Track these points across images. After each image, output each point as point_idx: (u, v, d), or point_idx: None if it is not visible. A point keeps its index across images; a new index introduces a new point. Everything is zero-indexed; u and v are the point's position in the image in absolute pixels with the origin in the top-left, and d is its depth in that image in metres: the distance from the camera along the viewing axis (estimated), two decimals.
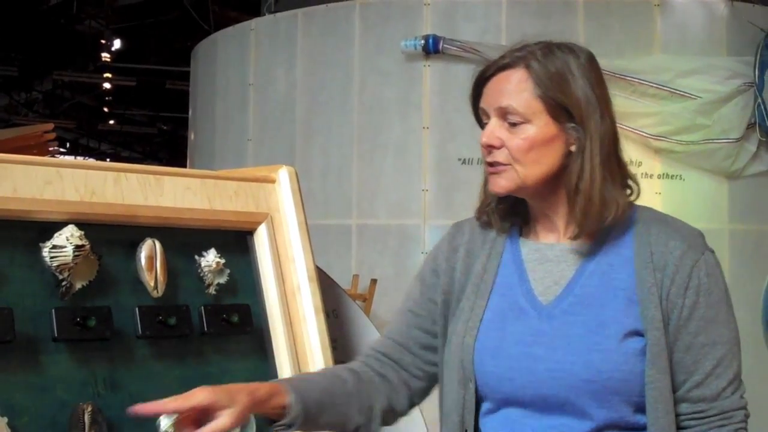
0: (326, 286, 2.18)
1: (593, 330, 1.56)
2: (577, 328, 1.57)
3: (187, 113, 7.13)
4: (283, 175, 2.17)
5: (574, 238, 1.62)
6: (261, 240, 2.09)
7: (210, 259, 1.99)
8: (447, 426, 1.69)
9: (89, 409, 1.72)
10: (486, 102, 1.65)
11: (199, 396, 1.47)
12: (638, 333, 1.55)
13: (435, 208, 5.14)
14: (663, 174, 5.03)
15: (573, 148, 1.60)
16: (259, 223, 2.10)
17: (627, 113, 4.85)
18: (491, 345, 1.63)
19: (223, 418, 1.47)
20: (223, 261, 2.00)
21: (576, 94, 1.60)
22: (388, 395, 1.74)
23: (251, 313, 2.01)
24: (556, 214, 1.65)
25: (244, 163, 5.69)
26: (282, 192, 2.15)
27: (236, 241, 2.08)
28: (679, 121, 4.94)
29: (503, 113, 1.61)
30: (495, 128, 1.61)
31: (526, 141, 1.59)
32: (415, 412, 2.21)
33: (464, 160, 5.11)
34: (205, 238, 2.03)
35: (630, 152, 5.23)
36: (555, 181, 1.62)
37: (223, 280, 2.01)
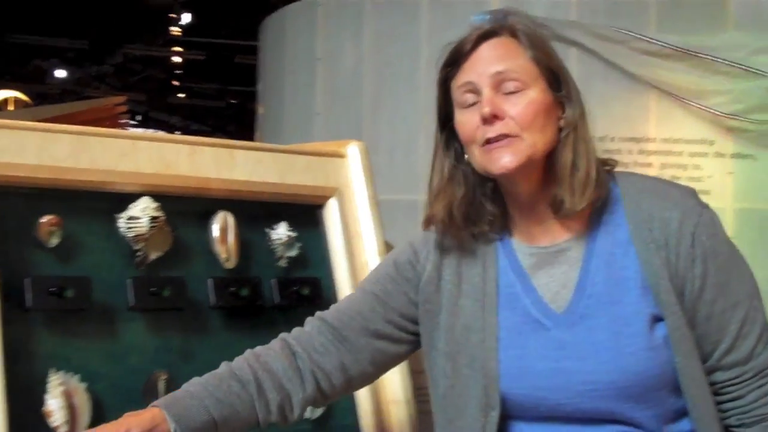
0: None
1: (618, 331, 1.48)
2: (601, 332, 1.49)
3: (256, 87, 7.18)
4: (353, 150, 2.18)
5: (566, 218, 1.52)
6: (331, 214, 2.12)
7: (281, 232, 2.02)
8: None
9: (163, 377, 1.77)
10: (474, 74, 1.52)
11: None
12: (659, 318, 1.48)
13: None
14: (735, 153, 4.93)
15: (562, 123, 1.51)
16: (329, 198, 2.12)
17: (699, 91, 4.76)
18: (515, 365, 1.53)
19: None
20: (294, 234, 2.03)
21: (560, 62, 1.53)
22: (316, 380, 1.62)
23: (321, 286, 2.04)
24: (543, 202, 1.53)
25: (311, 137, 5.72)
26: (352, 167, 2.17)
27: (306, 214, 2.11)
28: (752, 100, 4.83)
29: (499, 81, 1.49)
30: (493, 98, 1.49)
31: (531, 105, 1.48)
32: None
33: None
34: (276, 212, 2.06)
35: (702, 131, 5.13)
36: (542, 162, 1.51)
37: (293, 253, 2.04)
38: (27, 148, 1.74)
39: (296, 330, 1.68)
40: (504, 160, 1.47)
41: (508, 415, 1.55)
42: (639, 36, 4.78)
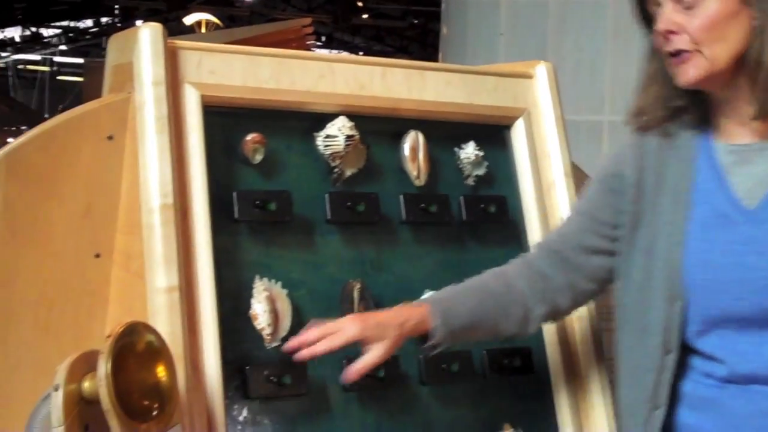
0: (580, 181, 2.21)
1: None
2: None
3: (439, 7, 7.18)
4: (541, 70, 2.20)
5: (758, 118, 1.54)
6: (518, 134, 2.15)
7: (469, 151, 2.07)
8: (644, 347, 1.64)
9: (358, 286, 1.87)
10: None
11: (349, 333, 1.60)
12: None
13: None
14: None
15: (756, 22, 1.51)
16: (517, 118, 2.15)
17: None
18: (699, 258, 1.57)
19: (375, 353, 1.61)
20: (481, 154, 2.08)
21: None
22: (548, 298, 1.77)
23: (507, 205, 2.09)
24: (743, 102, 1.56)
25: (495, 58, 5.70)
26: (540, 87, 2.19)
27: (494, 134, 2.15)
28: None
29: None
30: (670, 13, 1.53)
31: (707, 19, 1.51)
32: None
33: None
34: (465, 131, 2.10)
35: None
36: (738, 64, 1.53)
37: (481, 172, 2.09)
38: (233, 71, 1.84)
39: (526, 255, 1.85)
40: (684, 76, 1.55)
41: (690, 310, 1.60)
42: None
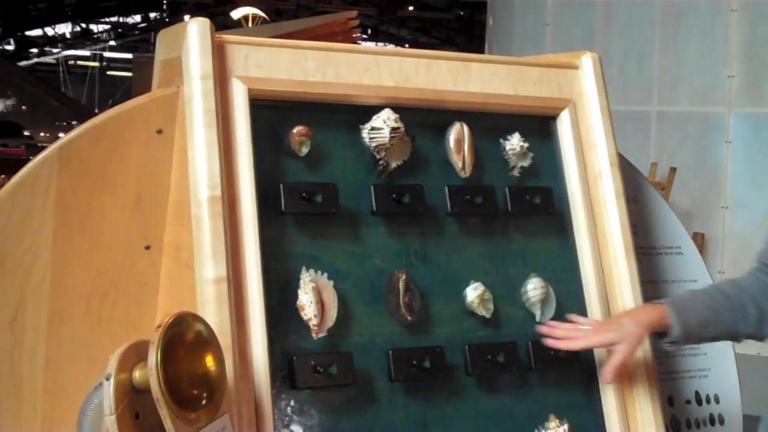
0: (626, 172, 2.20)
1: None
2: None
3: None
4: (587, 61, 2.19)
5: None
6: (564, 125, 2.14)
7: (514, 142, 2.07)
8: None
9: (404, 277, 1.88)
10: None
11: (591, 341, 1.83)
12: None
13: (741, 96, 4.91)
14: None
15: None
16: (563, 109, 2.14)
17: None
18: None
19: (619, 355, 1.77)
20: (526, 145, 2.07)
21: None
22: None
23: (553, 196, 2.09)
24: None
25: (542, 48, 5.68)
26: (585, 78, 2.18)
27: (540, 125, 2.15)
28: None
29: None
30: None
31: None
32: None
33: None
34: (510, 123, 2.10)
35: None
36: None
37: (526, 163, 2.09)
38: (280, 64, 1.86)
39: (751, 268, 1.92)
40: None
41: None
42: None
